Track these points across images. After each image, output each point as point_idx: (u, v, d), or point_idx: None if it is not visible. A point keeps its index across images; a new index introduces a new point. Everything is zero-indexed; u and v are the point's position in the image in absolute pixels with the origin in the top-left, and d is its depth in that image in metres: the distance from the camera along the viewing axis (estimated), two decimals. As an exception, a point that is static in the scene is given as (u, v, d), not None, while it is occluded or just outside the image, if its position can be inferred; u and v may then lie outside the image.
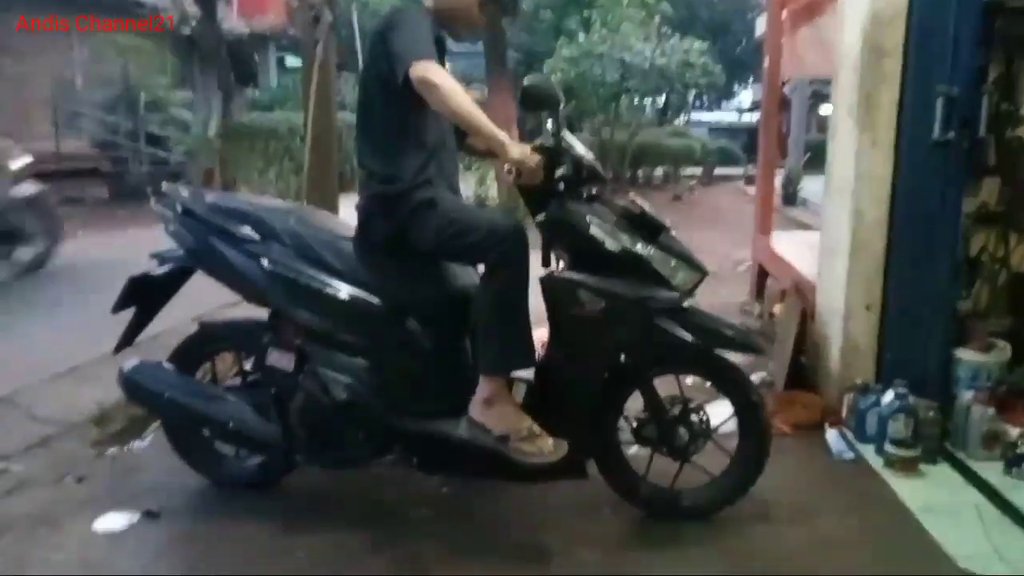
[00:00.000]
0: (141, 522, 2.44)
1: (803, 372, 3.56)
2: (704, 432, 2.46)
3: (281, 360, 2.41)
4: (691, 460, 2.47)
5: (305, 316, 2.33)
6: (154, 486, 2.67)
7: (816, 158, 14.26)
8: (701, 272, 2.34)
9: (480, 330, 2.26)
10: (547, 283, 2.29)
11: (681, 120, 21.63)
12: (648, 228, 2.30)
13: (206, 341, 2.66)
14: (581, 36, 13.91)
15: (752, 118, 27.53)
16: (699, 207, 12.74)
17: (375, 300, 2.32)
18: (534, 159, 2.17)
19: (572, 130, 2.50)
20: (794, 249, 4.63)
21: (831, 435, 3.10)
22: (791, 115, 14.02)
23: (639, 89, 14.06)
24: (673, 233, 2.35)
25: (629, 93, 14.17)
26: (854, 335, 3.24)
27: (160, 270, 2.55)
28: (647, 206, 2.33)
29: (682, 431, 2.44)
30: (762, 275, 5.08)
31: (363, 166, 2.37)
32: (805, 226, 8.58)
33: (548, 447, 2.20)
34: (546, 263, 2.34)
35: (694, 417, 2.45)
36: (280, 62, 16.60)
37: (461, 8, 2.38)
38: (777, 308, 4.19)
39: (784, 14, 5.09)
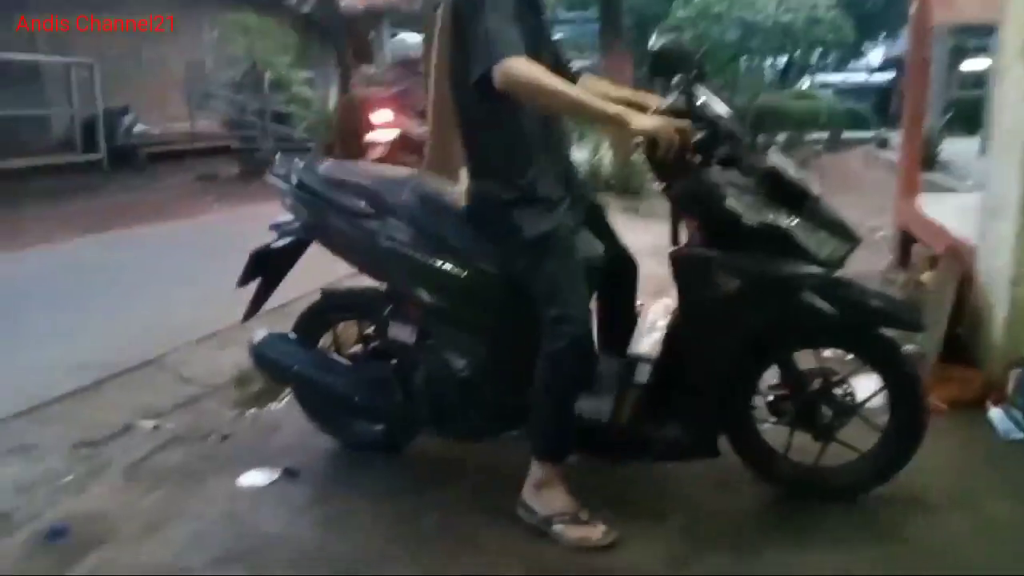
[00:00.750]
0: (281, 480, 2.53)
1: (959, 344, 3.25)
2: (849, 408, 2.26)
3: (402, 333, 2.38)
4: (835, 438, 2.28)
5: (423, 294, 2.29)
6: (292, 446, 2.76)
7: (956, 118, 13.17)
8: (853, 240, 2.13)
9: (533, 413, 2.17)
10: (678, 260, 2.13)
11: (805, 82, 20.48)
12: (792, 193, 2.09)
13: (329, 310, 2.67)
14: (698, -5, 13.34)
15: (882, 78, 25.72)
16: (827, 173, 11.99)
17: (492, 278, 2.23)
18: (670, 126, 1.93)
19: (702, 80, 2.19)
20: (946, 211, 4.24)
21: (995, 413, 2.82)
22: (931, 71, 12.96)
23: (761, 49, 13.38)
24: (820, 198, 2.13)
25: (750, 54, 13.50)
26: (1022, 302, 2.92)
27: (279, 242, 2.56)
28: (791, 169, 2.14)
29: (824, 408, 2.25)
30: (906, 241, 4.70)
31: (467, 151, 2.22)
32: (948, 190, 7.94)
33: (596, 535, 2.12)
34: (675, 240, 2.17)
35: (837, 391, 2.26)
36: (394, 37, 16.89)
37: None
38: (927, 276, 3.85)
39: (935, -47, 4.64)
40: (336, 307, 2.68)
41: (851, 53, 25.01)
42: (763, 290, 2.07)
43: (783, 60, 18.00)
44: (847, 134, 16.91)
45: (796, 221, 2.06)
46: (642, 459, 2.35)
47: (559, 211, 2.14)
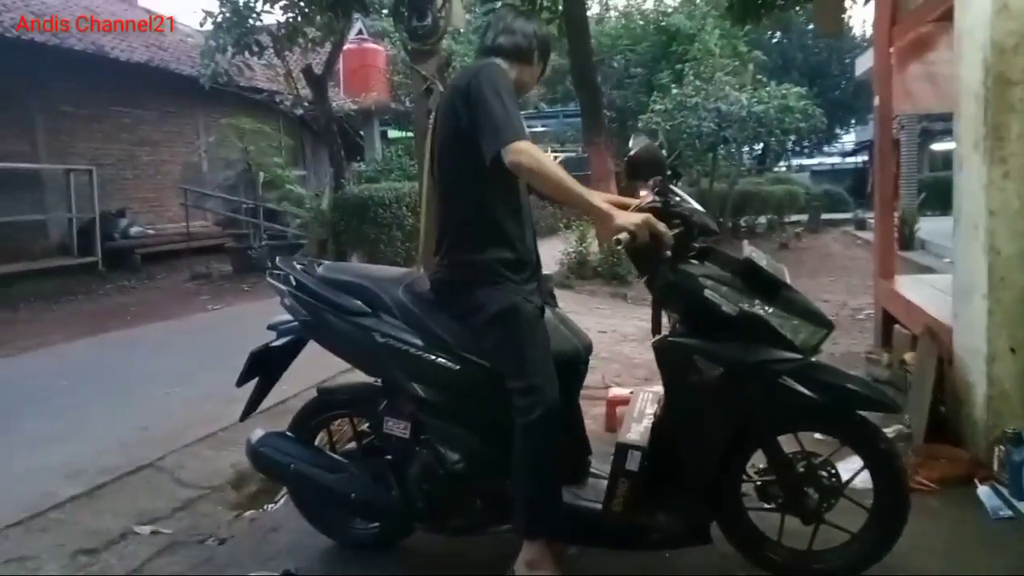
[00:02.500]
0: (281, 582, 2.52)
1: (944, 422, 3.33)
2: (834, 489, 2.31)
3: (397, 428, 2.42)
4: (824, 520, 2.31)
5: (417, 387, 2.33)
6: (290, 546, 2.75)
7: (930, 198, 13.63)
8: (827, 327, 2.23)
9: (515, 490, 2.23)
10: (661, 349, 2.23)
11: (782, 166, 21.16)
12: (766, 284, 2.21)
13: (324, 407, 2.70)
14: (674, 89, 13.97)
15: (856, 160, 26.64)
16: (808, 254, 12.35)
17: (483, 371, 2.28)
18: (647, 224, 2.05)
19: (676, 179, 2.41)
20: (922, 292, 4.39)
21: (983, 491, 2.87)
22: (901, 154, 13.50)
23: (737, 138, 13.93)
24: (791, 286, 2.26)
25: (727, 142, 14.05)
26: (1000, 380, 3.02)
27: (277, 342, 2.63)
28: (764, 261, 2.26)
29: (810, 490, 2.29)
30: (887, 321, 4.83)
31: (440, 228, 2.37)
32: (927, 269, 8.16)
33: None
34: (656, 330, 2.28)
35: (822, 473, 2.31)
36: (383, 135, 17.43)
37: (528, 82, 2.43)
38: (908, 356, 3.96)
39: (892, 50, 4.96)
40: (332, 404, 2.72)
41: (825, 138, 26.05)
42: (744, 376, 2.15)
43: (760, 147, 18.70)
44: (826, 215, 17.45)
45: (772, 310, 2.17)
46: (637, 548, 2.37)
47: (524, 288, 2.26)
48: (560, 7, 9.83)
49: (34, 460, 3.68)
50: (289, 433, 2.66)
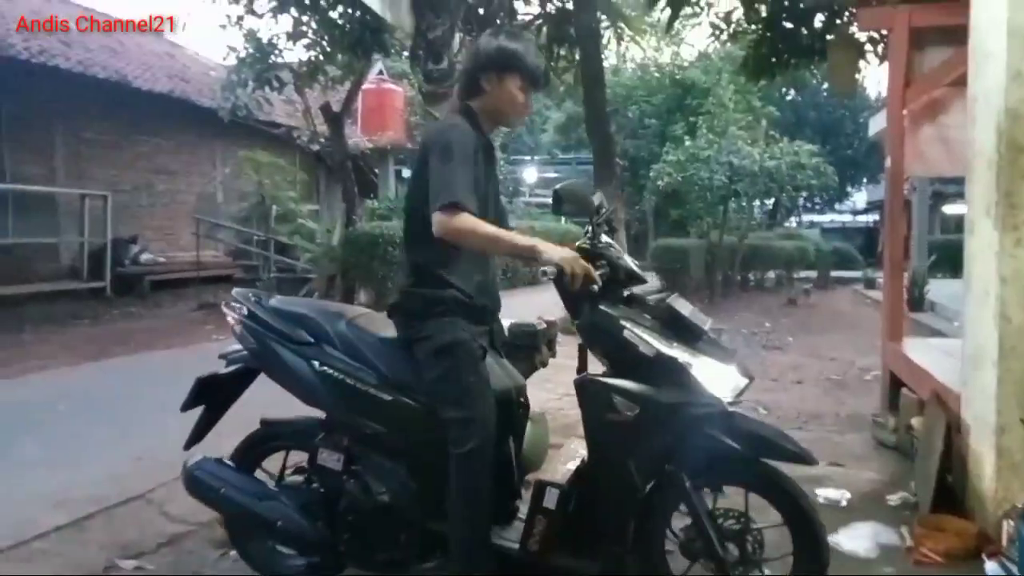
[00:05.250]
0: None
1: (951, 492, 3.24)
2: (752, 558, 2.27)
3: (330, 459, 2.46)
4: None
5: (351, 417, 2.40)
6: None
7: (941, 260, 13.60)
8: (747, 377, 2.24)
9: (451, 532, 2.26)
10: (580, 386, 2.26)
11: (792, 222, 21.22)
12: (690, 332, 2.23)
13: (267, 438, 2.73)
14: (687, 141, 14.10)
15: (867, 219, 26.70)
16: (816, 311, 12.27)
17: (415, 404, 2.34)
18: (575, 261, 2.10)
19: (612, 233, 2.49)
20: (930, 356, 4.34)
21: (991, 567, 2.77)
22: (913, 215, 13.51)
23: (748, 192, 13.99)
24: (717, 335, 2.30)
25: (738, 196, 14.11)
26: (1010, 451, 2.94)
27: (227, 370, 2.68)
28: (687, 309, 2.28)
29: (731, 547, 2.25)
30: (894, 384, 4.76)
31: (404, 263, 2.45)
32: (936, 332, 8.08)
33: None
34: (581, 369, 2.33)
35: (748, 537, 2.27)
36: (398, 174, 17.61)
37: (504, 102, 2.36)
38: (916, 421, 3.89)
39: (905, 112, 4.99)
40: (275, 436, 2.74)
41: (836, 195, 26.18)
42: (658, 417, 2.15)
43: (771, 201, 18.79)
44: (835, 273, 17.40)
45: (692, 355, 2.18)
46: None
47: (471, 328, 2.31)
48: (577, 56, 9.99)
49: (24, 487, 3.63)
50: (227, 461, 2.67)
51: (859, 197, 28.44)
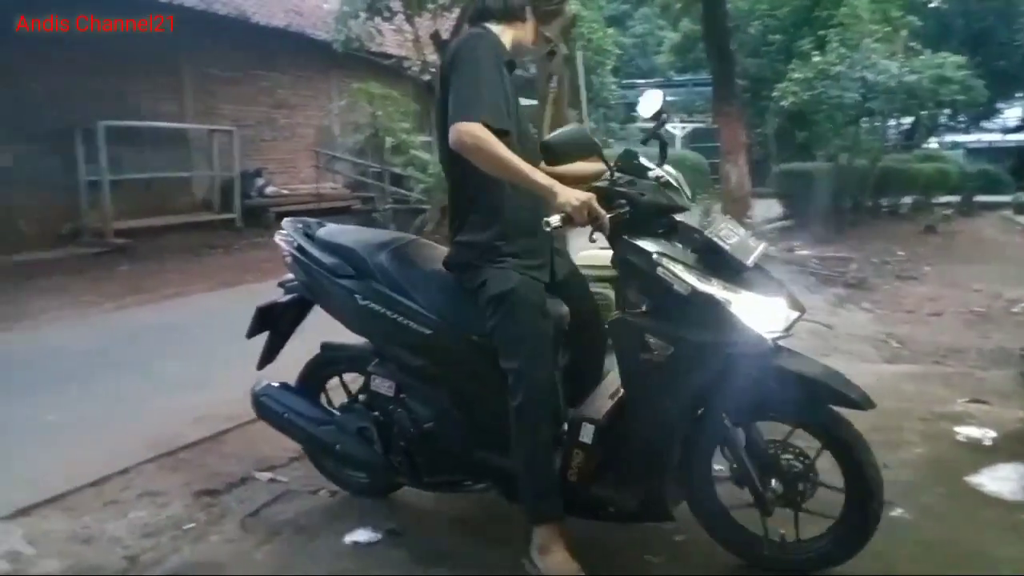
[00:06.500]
0: (385, 539, 2.57)
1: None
2: (795, 500, 2.18)
3: (383, 386, 2.51)
4: (802, 508, 2.19)
5: (393, 349, 2.44)
6: (396, 505, 2.81)
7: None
8: (797, 310, 2.08)
9: (519, 477, 2.24)
10: (614, 327, 2.17)
11: (932, 142, 19.55)
12: (732, 264, 2.08)
13: (328, 363, 2.82)
14: (815, 57, 13.08)
15: (1019, 138, 24.29)
16: (958, 239, 11.36)
17: (454, 336, 2.33)
18: (584, 207, 2.00)
19: (663, 148, 2.34)
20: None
21: None
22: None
23: (883, 110, 12.88)
24: (757, 266, 2.13)
25: (871, 115, 13.03)
26: None
27: (284, 299, 2.75)
28: (735, 237, 2.12)
29: (775, 484, 2.16)
30: (1051, 316, 4.34)
31: (449, 207, 2.41)
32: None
33: None
34: (620, 307, 2.23)
35: (791, 460, 2.17)
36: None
37: (532, 40, 2.34)
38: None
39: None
40: (334, 361, 2.82)
41: (985, 112, 23.82)
42: (693, 356, 2.07)
43: (909, 120, 17.29)
44: (980, 197, 15.94)
45: (732, 291, 2.03)
46: (597, 519, 2.32)
47: (528, 270, 2.24)
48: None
49: (167, 403, 3.93)
50: (293, 385, 2.79)
51: (1011, 113, 25.80)
